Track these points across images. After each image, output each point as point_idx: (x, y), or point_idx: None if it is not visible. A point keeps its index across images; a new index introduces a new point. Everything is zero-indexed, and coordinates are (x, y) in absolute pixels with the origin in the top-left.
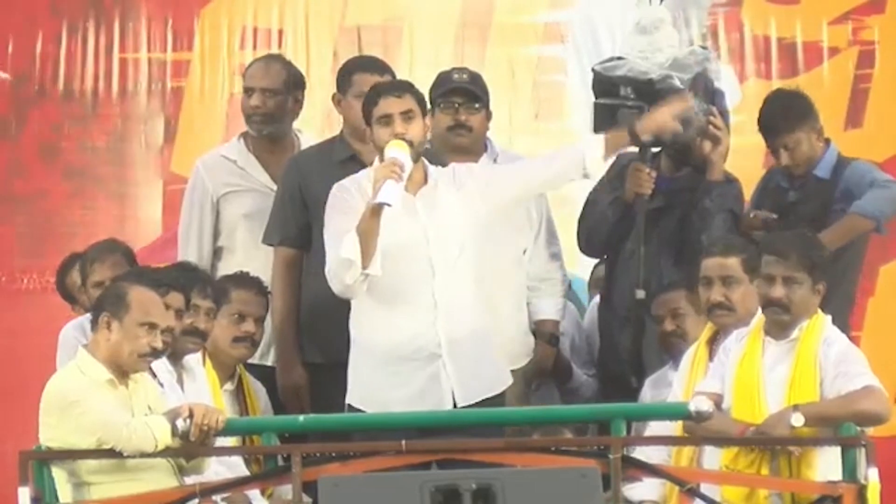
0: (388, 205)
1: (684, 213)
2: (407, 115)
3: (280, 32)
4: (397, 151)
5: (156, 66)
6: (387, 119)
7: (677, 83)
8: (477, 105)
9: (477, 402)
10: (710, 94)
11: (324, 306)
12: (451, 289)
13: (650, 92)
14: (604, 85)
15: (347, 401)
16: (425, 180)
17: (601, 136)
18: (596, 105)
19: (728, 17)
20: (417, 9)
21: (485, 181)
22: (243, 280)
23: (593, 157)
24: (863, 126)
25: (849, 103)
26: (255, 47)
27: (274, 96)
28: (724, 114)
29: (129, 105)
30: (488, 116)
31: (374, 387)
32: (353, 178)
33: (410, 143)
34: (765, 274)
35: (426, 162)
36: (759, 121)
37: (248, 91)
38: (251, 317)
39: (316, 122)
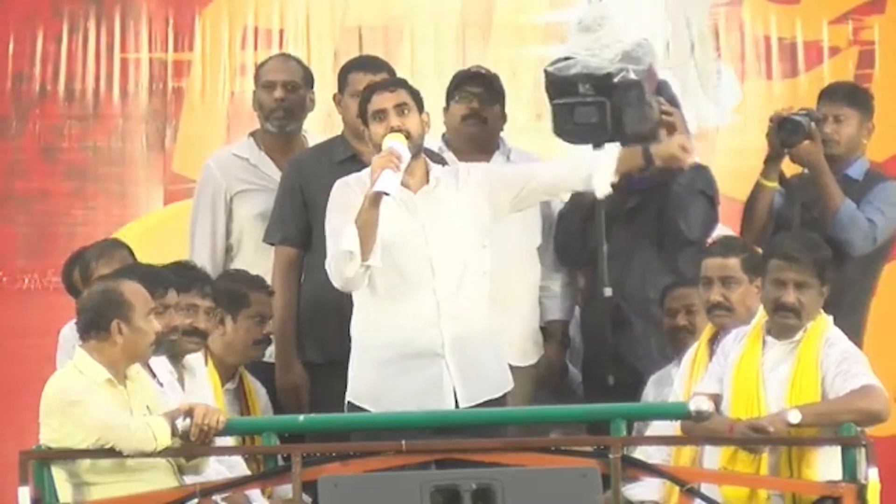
0: (387, 193)
1: (660, 206)
2: (401, 109)
3: (281, 32)
4: (394, 142)
5: (157, 66)
6: (381, 114)
7: (633, 75)
8: (492, 97)
9: (479, 404)
10: (655, 85)
11: (324, 305)
12: (454, 288)
13: (609, 86)
14: (559, 85)
15: (347, 398)
16: (427, 179)
17: (614, 151)
18: (555, 106)
19: (728, 16)
20: (418, 9)
21: (488, 183)
22: (256, 282)
23: (604, 172)
24: None
25: None
26: (255, 47)
27: (295, 90)
28: (672, 101)
29: (130, 105)
30: (503, 116)
31: (376, 386)
32: (355, 175)
33: (408, 135)
34: (774, 278)
35: (428, 161)
36: (824, 89)
37: (268, 85)
38: (268, 318)
39: (317, 123)
